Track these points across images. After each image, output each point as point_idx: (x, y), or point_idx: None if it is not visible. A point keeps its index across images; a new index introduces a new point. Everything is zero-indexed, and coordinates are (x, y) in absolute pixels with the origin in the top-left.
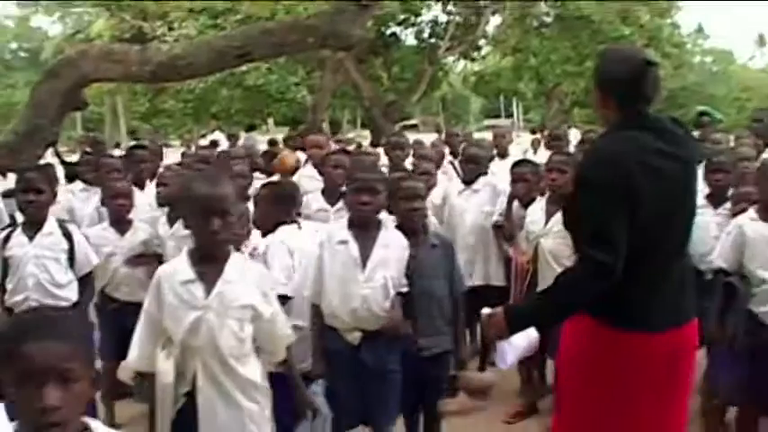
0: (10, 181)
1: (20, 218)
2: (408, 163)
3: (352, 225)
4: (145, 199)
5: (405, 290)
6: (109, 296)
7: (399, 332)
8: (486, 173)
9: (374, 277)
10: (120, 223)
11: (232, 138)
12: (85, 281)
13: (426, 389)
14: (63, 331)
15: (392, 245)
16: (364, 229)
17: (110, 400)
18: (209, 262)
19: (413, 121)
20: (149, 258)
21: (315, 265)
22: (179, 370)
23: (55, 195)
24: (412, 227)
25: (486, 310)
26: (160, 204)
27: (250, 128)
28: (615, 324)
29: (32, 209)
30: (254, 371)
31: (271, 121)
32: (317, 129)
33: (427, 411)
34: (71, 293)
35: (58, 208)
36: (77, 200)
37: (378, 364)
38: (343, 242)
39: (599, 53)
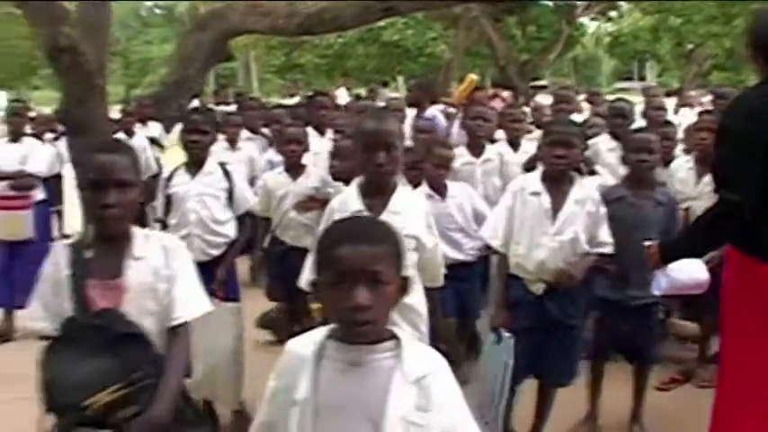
0: (152, 129)
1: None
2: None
3: (545, 178)
4: (325, 145)
5: (605, 250)
6: (278, 239)
7: (568, 284)
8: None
9: (564, 231)
10: (294, 168)
11: (371, 92)
12: (243, 219)
13: (637, 336)
14: (376, 237)
15: (586, 201)
16: (557, 183)
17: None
18: (376, 194)
19: (543, 82)
20: (317, 204)
21: (505, 215)
22: None
23: (213, 140)
24: (639, 178)
25: (646, 243)
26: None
27: (382, 85)
28: (760, 256)
29: (196, 149)
30: (416, 299)
31: (400, 78)
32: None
33: (639, 356)
34: (230, 230)
35: (235, 157)
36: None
37: (561, 316)
38: (536, 194)
39: (755, 13)
